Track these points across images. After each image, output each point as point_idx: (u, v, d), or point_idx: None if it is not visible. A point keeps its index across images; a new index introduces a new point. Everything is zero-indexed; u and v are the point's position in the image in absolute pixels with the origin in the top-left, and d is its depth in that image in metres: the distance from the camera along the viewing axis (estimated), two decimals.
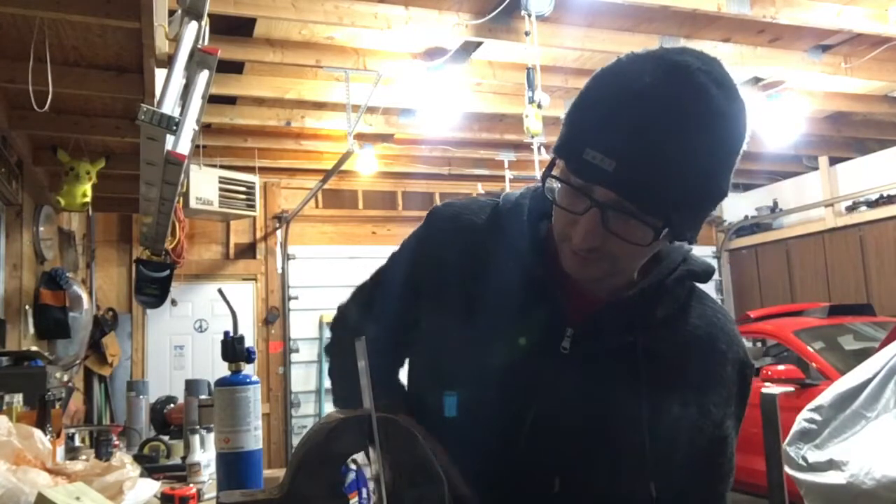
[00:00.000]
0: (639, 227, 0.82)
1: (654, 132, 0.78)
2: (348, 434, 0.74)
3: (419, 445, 0.77)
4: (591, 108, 0.84)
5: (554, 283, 0.94)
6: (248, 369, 1.71)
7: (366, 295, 1.20)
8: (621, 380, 0.92)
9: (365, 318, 1.14)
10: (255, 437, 1.64)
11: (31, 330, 4.24)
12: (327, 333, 8.03)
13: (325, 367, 1.19)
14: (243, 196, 6.01)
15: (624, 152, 0.79)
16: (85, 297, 4.85)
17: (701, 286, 1.02)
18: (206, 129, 5.64)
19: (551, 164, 0.88)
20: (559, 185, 0.87)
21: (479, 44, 4.34)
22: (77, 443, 3.17)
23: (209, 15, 2.38)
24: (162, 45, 2.54)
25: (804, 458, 3.50)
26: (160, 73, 2.55)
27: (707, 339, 0.98)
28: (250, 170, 6.24)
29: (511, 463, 0.94)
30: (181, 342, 6.82)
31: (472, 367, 0.96)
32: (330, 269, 7.16)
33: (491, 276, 0.98)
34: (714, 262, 8.27)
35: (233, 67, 4.66)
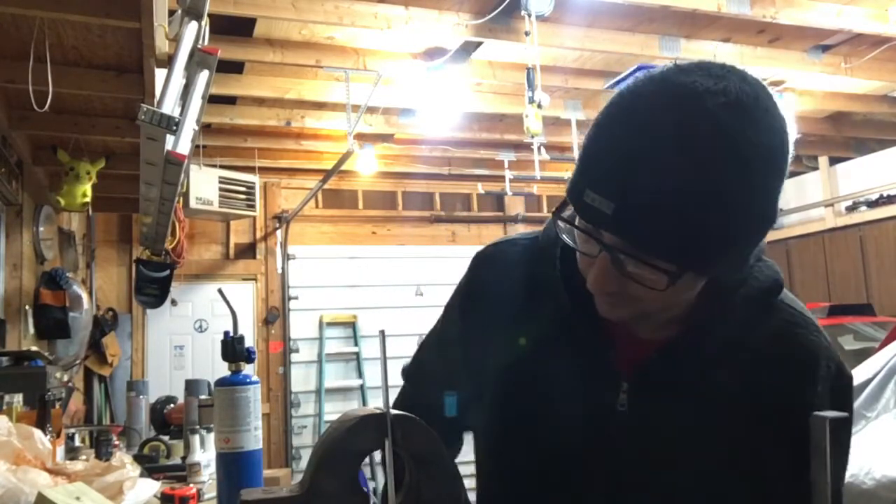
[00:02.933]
0: (651, 270, 0.74)
1: (653, 170, 0.70)
2: (367, 431, 0.75)
3: (437, 443, 0.78)
4: (592, 146, 0.77)
5: (600, 332, 0.87)
6: (248, 369, 1.71)
7: (416, 372, 1.11)
8: (687, 427, 0.85)
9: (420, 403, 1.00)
10: (255, 437, 1.64)
11: (31, 330, 4.24)
12: (327, 333, 8.08)
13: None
14: (243, 196, 6.01)
15: (622, 193, 0.71)
16: (85, 297, 4.85)
17: None
18: (206, 129, 5.64)
19: (563, 204, 0.81)
20: (573, 227, 0.81)
21: (479, 44, 4.34)
22: (77, 443, 3.17)
23: (209, 15, 2.38)
24: (162, 45, 2.54)
25: None
26: (160, 73, 2.55)
27: (782, 361, 0.86)
28: (250, 170, 6.24)
29: None
30: (181, 342, 6.81)
31: (525, 433, 0.91)
32: (330, 269, 7.16)
33: (536, 331, 0.91)
34: None
35: (233, 67, 4.66)
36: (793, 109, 5.53)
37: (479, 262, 1.02)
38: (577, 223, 0.79)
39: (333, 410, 6.85)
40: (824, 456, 0.78)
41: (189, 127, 2.22)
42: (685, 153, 0.70)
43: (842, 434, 0.84)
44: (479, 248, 1.05)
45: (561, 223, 0.81)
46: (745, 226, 0.75)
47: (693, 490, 0.86)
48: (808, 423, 0.83)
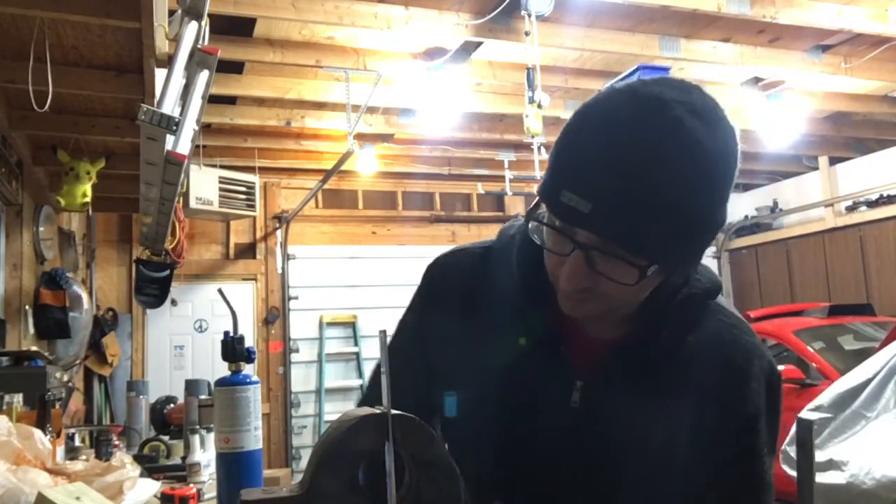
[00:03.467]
0: (624, 266, 0.80)
1: (629, 170, 0.76)
2: (367, 431, 0.75)
3: (437, 444, 0.78)
4: (568, 149, 0.82)
5: (555, 332, 0.92)
6: (248, 369, 1.71)
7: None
8: (635, 424, 0.91)
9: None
10: (255, 437, 1.64)
11: (31, 330, 4.24)
12: (327, 333, 8.06)
13: None
14: (243, 196, 6.01)
15: (599, 193, 0.77)
16: (85, 297, 4.85)
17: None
18: (206, 129, 5.64)
19: (536, 206, 0.86)
20: (545, 227, 0.85)
21: (479, 44, 4.34)
22: (77, 443, 3.17)
23: (209, 15, 2.38)
24: (162, 45, 2.54)
25: None
26: (160, 73, 2.55)
27: (722, 359, 0.94)
28: (250, 170, 6.24)
29: None
30: (181, 342, 6.82)
31: (483, 430, 0.95)
32: (330, 269, 7.16)
33: (490, 332, 0.96)
34: (714, 263, 8.27)
35: (233, 67, 4.66)
36: (793, 109, 5.53)
37: (435, 270, 1.05)
38: (547, 221, 0.84)
39: (333, 410, 6.86)
40: (810, 454, 0.82)
41: (189, 127, 2.22)
42: (655, 155, 0.76)
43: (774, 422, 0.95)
44: None
45: (533, 223, 0.86)
46: (706, 225, 0.81)
47: (648, 482, 0.91)
48: (748, 415, 0.92)
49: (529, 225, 0.87)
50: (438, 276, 1.04)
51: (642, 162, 0.76)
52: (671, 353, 0.91)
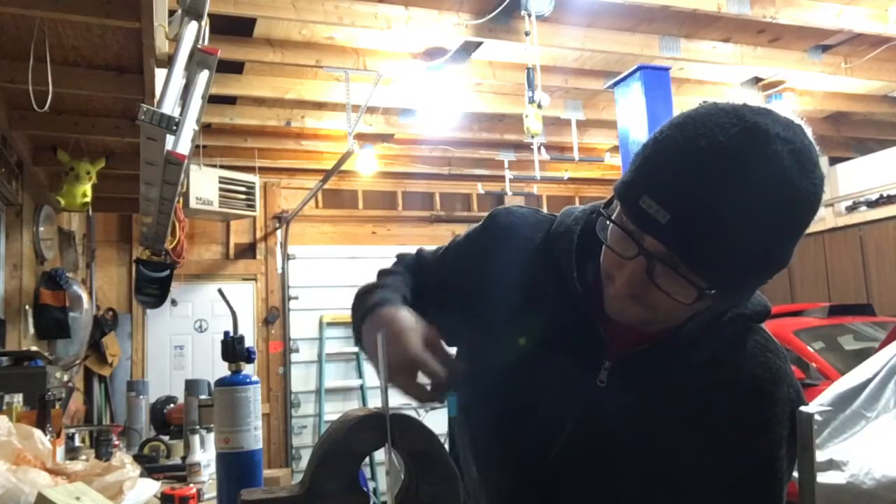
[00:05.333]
0: (683, 284, 0.79)
1: (717, 192, 0.75)
2: (366, 432, 0.76)
3: (435, 443, 0.78)
4: (658, 155, 0.81)
5: (597, 313, 0.92)
6: (248, 369, 1.71)
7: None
8: (656, 418, 0.90)
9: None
10: (255, 437, 1.64)
11: (31, 330, 4.23)
12: (327, 333, 8.01)
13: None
14: (243, 196, 6.01)
15: (680, 206, 0.76)
16: (85, 297, 4.85)
17: None
18: (206, 129, 5.64)
19: (609, 202, 0.86)
20: (612, 225, 0.84)
21: (479, 44, 4.34)
22: (77, 443, 3.17)
23: (209, 15, 2.38)
24: (162, 45, 2.54)
25: None
26: (160, 73, 2.55)
27: (752, 380, 0.93)
28: (250, 170, 6.24)
29: (536, 490, 0.95)
30: (181, 342, 6.81)
31: (503, 387, 0.96)
32: (330, 269, 7.15)
33: (535, 300, 0.96)
34: None
35: (233, 67, 4.66)
36: (793, 109, 5.53)
37: (503, 222, 1.04)
38: (617, 220, 0.83)
39: (333, 410, 6.85)
40: (811, 450, 0.82)
41: (189, 127, 2.22)
42: (746, 185, 0.75)
43: (793, 451, 0.94)
44: None
45: (602, 219, 0.86)
46: (773, 263, 0.81)
47: (649, 479, 0.90)
48: (768, 440, 0.91)
49: (598, 221, 0.87)
50: (506, 228, 1.03)
51: (732, 188, 0.75)
52: (704, 364, 0.91)
